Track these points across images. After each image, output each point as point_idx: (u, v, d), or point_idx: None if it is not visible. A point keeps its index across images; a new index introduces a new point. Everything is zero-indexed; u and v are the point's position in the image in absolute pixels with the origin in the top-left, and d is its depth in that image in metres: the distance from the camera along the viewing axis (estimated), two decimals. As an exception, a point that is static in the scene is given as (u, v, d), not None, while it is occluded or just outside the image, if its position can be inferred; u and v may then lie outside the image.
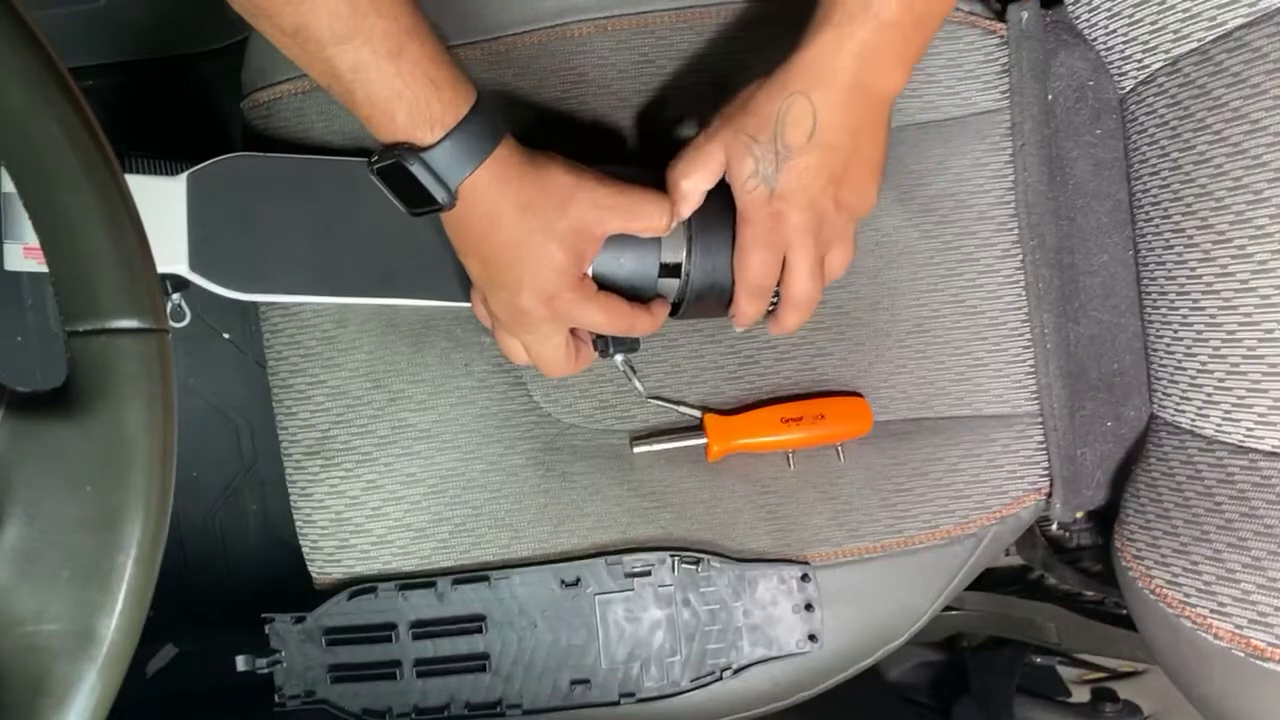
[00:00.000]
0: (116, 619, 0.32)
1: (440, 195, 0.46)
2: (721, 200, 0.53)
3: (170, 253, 0.55)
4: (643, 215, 0.51)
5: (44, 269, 0.54)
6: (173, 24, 0.85)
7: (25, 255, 0.54)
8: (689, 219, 0.53)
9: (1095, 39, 0.63)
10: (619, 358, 0.58)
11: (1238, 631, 0.52)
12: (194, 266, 0.55)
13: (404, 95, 0.44)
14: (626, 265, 0.53)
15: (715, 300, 0.55)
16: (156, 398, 0.33)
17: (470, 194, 0.47)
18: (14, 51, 0.31)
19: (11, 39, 0.31)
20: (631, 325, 0.54)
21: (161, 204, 0.54)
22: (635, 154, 0.63)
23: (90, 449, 0.32)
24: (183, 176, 0.55)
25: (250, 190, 0.56)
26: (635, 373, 0.61)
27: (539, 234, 0.49)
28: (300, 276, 0.57)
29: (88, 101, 0.33)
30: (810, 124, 0.50)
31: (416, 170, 0.46)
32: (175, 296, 0.59)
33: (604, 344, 0.57)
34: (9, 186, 0.55)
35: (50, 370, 0.90)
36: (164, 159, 0.55)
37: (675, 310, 0.57)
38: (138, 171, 0.54)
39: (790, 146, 0.50)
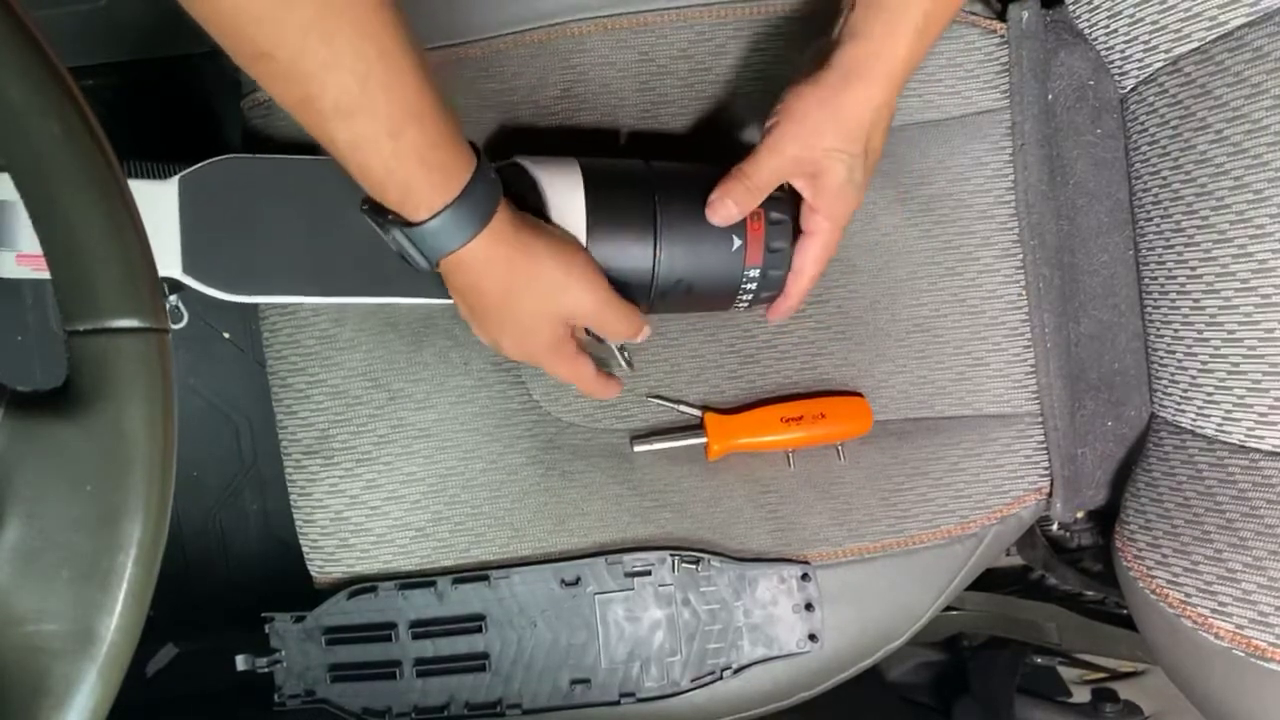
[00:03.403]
0: (116, 619, 0.32)
1: (420, 264, 0.47)
2: (688, 197, 0.54)
3: (164, 256, 0.55)
4: (616, 330, 0.53)
5: (38, 275, 0.54)
6: (173, 24, 0.85)
7: (19, 263, 0.54)
8: (658, 216, 0.53)
9: (1096, 38, 0.63)
10: (610, 342, 0.59)
11: (1238, 631, 0.52)
12: (188, 270, 0.55)
13: (396, 175, 0.43)
14: (619, 266, 0.54)
15: (682, 295, 0.55)
16: (156, 397, 0.33)
17: (454, 267, 0.48)
18: (14, 51, 0.31)
19: (12, 39, 0.31)
20: (592, 393, 0.57)
21: (154, 208, 0.54)
22: (634, 153, 0.63)
23: (90, 449, 0.32)
24: (174, 180, 0.55)
25: (242, 192, 0.56)
26: (624, 351, 0.61)
27: (524, 314, 0.50)
28: (295, 277, 0.57)
29: (88, 101, 0.33)
30: (889, 123, 0.53)
31: (400, 239, 0.46)
32: (173, 298, 0.59)
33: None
34: (2, 194, 0.54)
35: (50, 370, 0.90)
36: (155, 162, 0.55)
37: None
38: (129, 176, 0.54)
39: (876, 148, 0.53)
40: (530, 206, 0.51)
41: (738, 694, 0.62)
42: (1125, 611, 0.65)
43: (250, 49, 0.39)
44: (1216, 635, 0.53)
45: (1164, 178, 0.60)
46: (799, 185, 0.54)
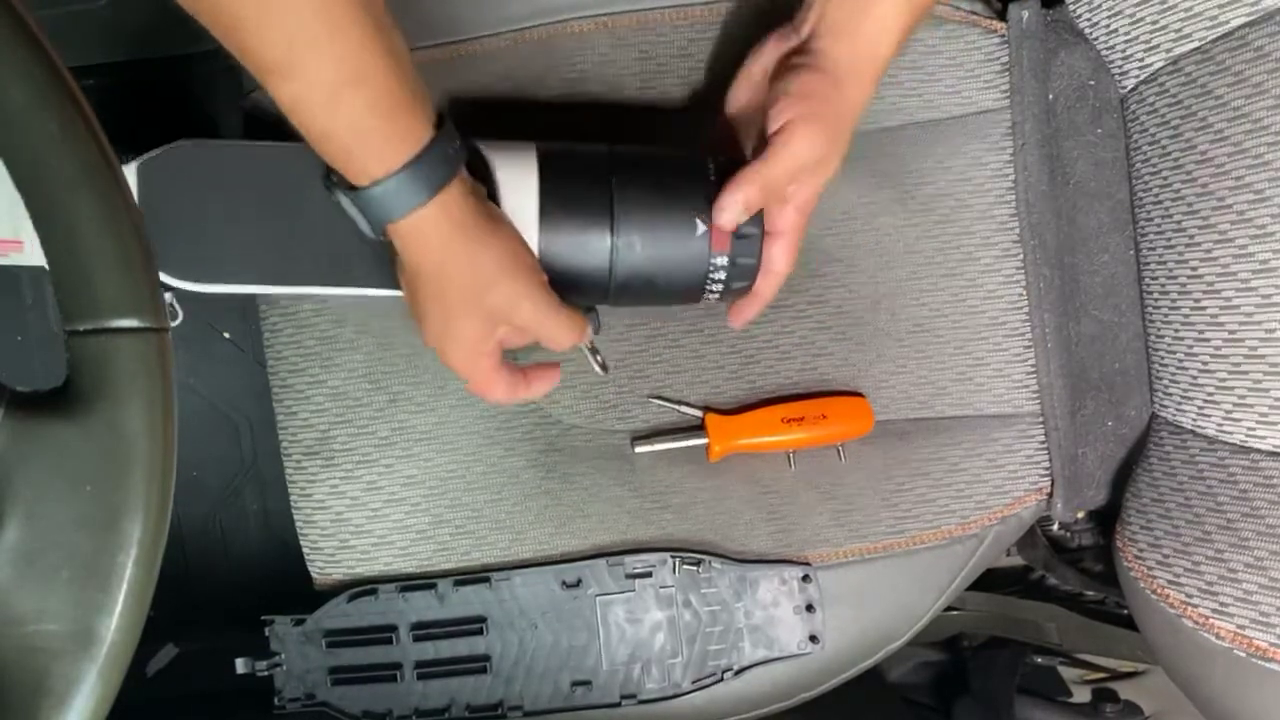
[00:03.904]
0: (116, 619, 0.32)
1: (364, 228, 0.46)
2: (648, 182, 0.51)
3: None
4: (555, 338, 0.50)
5: (5, 262, 0.52)
6: (173, 24, 0.85)
7: None
8: (614, 203, 0.50)
9: (1096, 38, 0.63)
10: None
11: (1239, 631, 0.52)
12: None
13: (334, 140, 0.42)
14: (574, 257, 0.51)
15: (644, 287, 0.52)
16: (156, 397, 0.33)
17: (397, 237, 0.46)
18: (15, 51, 0.31)
19: (13, 38, 0.31)
20: (495, 400, 0.53)
21: None
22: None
23: (90, 449, 0.32)
24: (132, 165, 0.53)
25: (203, 178, 0.53)
26: (597, 354, 0.59)
27: (453, 303, 0.48)
28: (257, 267, 0.54)
29: (87, 101, 0.33)
30: None
31: (342, 201, 0.45)
32: (167, 295, 0.59)
33: None
34: None
35: (50, 370, 0.90)
36: (115, 149, 0.54)
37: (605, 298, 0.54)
38: None
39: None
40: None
41: (739, 695, 0.62)
42: (1126, 611, 0.65)
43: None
44: (1217, 635, 0.53)
45: (1165, 178, 0.60)
46: None
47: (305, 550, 0.64)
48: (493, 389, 0.51)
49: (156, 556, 0.33)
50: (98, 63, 0.85)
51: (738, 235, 0.51)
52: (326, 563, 0.64)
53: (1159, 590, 0.56)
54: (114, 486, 0.32)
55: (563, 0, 0.61)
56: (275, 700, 0.62)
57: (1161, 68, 0.59)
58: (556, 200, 0.50)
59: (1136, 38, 0.60)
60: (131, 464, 0.32)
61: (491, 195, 0.50)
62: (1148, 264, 0.63)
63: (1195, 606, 0.54)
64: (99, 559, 0.32)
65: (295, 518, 0.65)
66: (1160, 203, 0.61)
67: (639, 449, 0.62)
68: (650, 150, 0.53)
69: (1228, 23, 0.55)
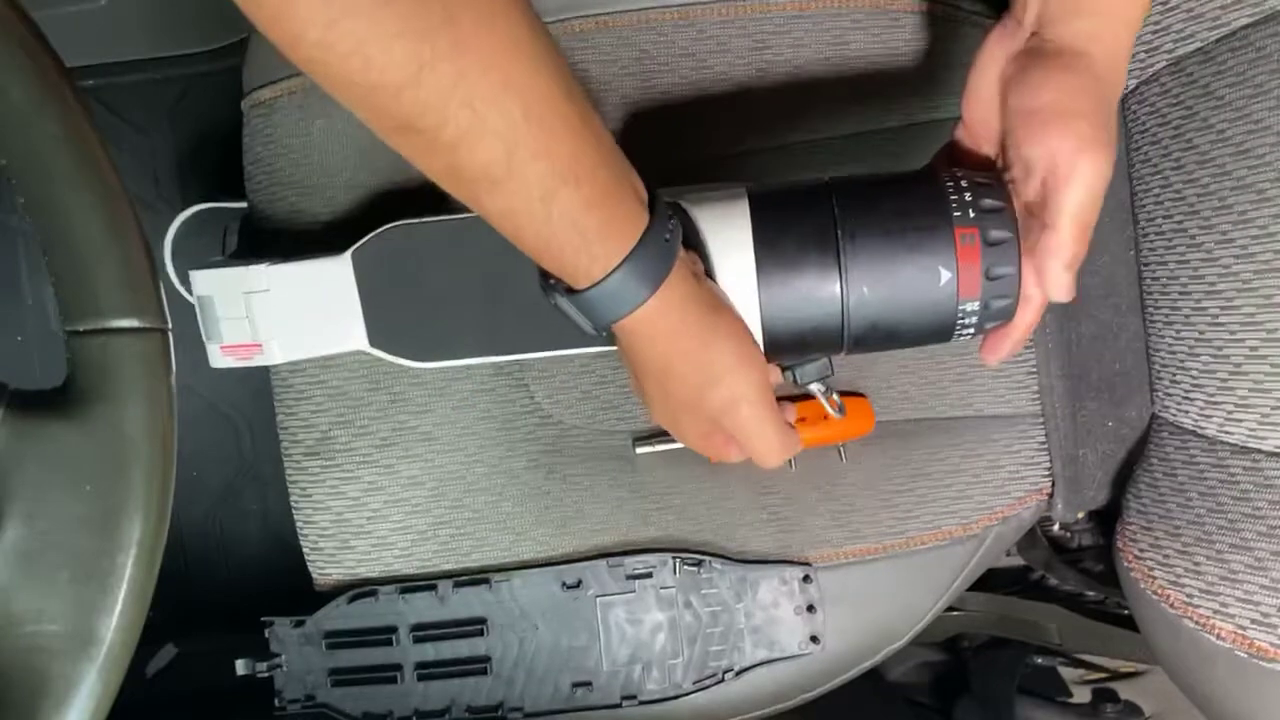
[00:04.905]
0: (116, 619, 0.32)
1: (586, 327, 0.43)
2: (877, 223, 0.45)
3: (350, 331, 0.56)
4: (761, 450, 0.48)
5: (241, 364, 0.56)
6: (173, 24, 0.85)
7: (223, 353, 0.56)
8: (841, 253, 0.45)
9: (1097, 39, 0.63)
10: (814, 386, 0.52)
11: (1240, 632, 0.52)
12: (374, 342, 0.56)
13: (551, 245, 0.39)
14: (801, 315, 0.47)
15: (883, 339, 0.48)
16: (157, 397, 0.33)
17: (619, 334, 0.44)
18: (15, 51, 0.31)
19: (13, 38, 0.31)
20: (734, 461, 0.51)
21: (333, 284, 0.55)
22: (638, 154, 0.62)
23: (90, 449, 0.32)
24: (347, 255, 0.55)
25: (413, 257, 0.55)
26: (828, 393, 0.54)
27: (679, 402, 0.46)
28: (476, 338, 0.55)
29: (88, 101, 0.33)
30: None
31: (562, 305, 0.43)
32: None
33: (792, 374, 0.51)
34: (201, 290, 0.55)
35: (50, 370, 0.90)
36: (316, 246, 0.56)
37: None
38: (302, 258, 0.55)
39: None
40: (688, 246, 0.46)
41: (739, 696, 0.62)
42: (1126, 612, 0.65)
43: (390, 123, 0.35)
44: (1218, 636, 0.53)
45: (1166, 178, 0.60)
46: (1039, 187, 0.44)
47: (305, 551, 0.64)
48: (729, 458, 0.50)
49: (156, 556, 0.33)
50: (98, 63, 0.85)
51: (989, 277, 0.46)
52: (327, 563, 0.64)
53: (1160, 590, 0.56)
54: (114, 486, 0.32)
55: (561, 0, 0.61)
56: (275, 701, 0.62)
57: (1163, 68, 0.59)
58: (775, 261, 0.46)
59: (1138, 39, 0.60)
60: (131, 464, 0.32)
61: (701, 251, 0.46)
62: (1148, 264, 0.63)
63: (1196, 607, 0.54)
64: (99, 559, 0.32)
65: (295, 518, 0.65)
66: (1161, 203, 0.60)
67: (640, 450, 0.62)
68: (878, 180, 0.48)
69: (1230, 24, 0.55)
